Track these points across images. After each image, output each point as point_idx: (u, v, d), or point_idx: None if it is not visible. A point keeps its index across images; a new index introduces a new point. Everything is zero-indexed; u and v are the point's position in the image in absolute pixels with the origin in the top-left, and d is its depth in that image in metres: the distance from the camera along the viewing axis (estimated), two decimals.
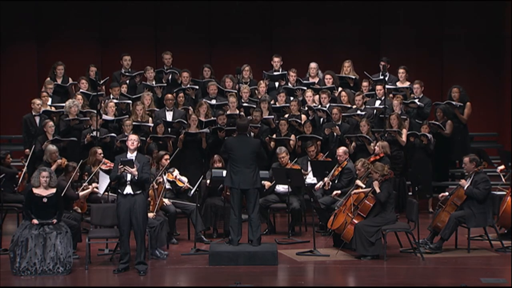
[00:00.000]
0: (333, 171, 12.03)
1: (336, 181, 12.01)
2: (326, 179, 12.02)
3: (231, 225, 10.36)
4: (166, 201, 11.31)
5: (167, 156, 11.72)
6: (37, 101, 13.49)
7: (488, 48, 17.07)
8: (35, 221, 9.75)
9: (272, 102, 14.02)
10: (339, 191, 11.76)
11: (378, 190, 10.47)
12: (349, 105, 13.82)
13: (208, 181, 11.65)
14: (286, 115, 13.66)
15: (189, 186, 11.63)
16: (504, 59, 16.59)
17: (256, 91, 14.32)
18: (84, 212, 11.25)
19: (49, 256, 9.64)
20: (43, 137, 12.92)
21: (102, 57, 16.87)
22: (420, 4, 17.01)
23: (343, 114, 13.52)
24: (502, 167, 12.44)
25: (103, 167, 12.08)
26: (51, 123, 13.02)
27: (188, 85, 14.26)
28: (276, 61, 14.65)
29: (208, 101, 13.89)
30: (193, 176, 12.07)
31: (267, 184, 11.92)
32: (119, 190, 9.80)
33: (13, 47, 16.76)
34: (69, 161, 11.68)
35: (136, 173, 9.68)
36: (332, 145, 13.12)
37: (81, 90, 14.05)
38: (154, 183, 11.00)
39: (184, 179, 11.80)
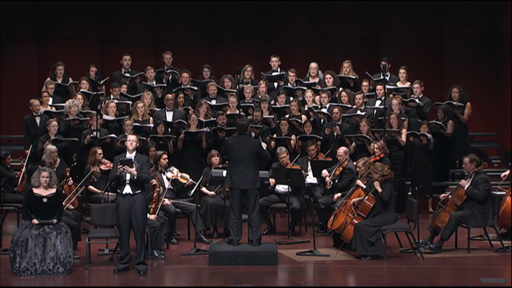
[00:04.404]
0: (334, 170, 12.03)
1: (336, 181, 12.01)
2: (327, 178, 12.01)
3: (231, 225, 10.35)
4: (166, 201, 11.31)
5: (165, 156, 11.72)
6: (35, 102, 13.45)
7: (488, 48, 17.06)
8: (35, 221, 9.74)
9: (272, 102, 14.01)
10: (339, 194, 11.75)
11: (380, 190, 10.46)
12: (349, 105, 13.81)
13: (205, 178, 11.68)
14: (287, 116, 13.65)
15: (193, 181, 11.64)
16: (504, 59, 16.57)
17: (257, 91, 14.31)
18: (76, 208, 11.12)
19: (49, 256, 9.63)
20: (45, 136, 12.90)
21: (102, 57, 16.86)
22: (420, 4, 17.00)
23: (343, 114, 13.52)
24: (507, 172, 12.09)
25: (103, 167, 12.09)
26: (54, 122, 12.97)
27: (188, 86, 14.25)
28: (274, 60, 14.62)
29: (208, 102, 13.88)
30: (193, 176, 12.06)
31: (271, 181, 11.91)
32: (118, 190, 9.80)
33: (13, 47, 16.74)
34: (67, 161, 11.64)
35: (135, 173, 9.68)
36: (332, 145, 13.11)
37: (81, 90, 14.03)
38: (161, 187, 11.03)
39: (187, 176, 11.82)
